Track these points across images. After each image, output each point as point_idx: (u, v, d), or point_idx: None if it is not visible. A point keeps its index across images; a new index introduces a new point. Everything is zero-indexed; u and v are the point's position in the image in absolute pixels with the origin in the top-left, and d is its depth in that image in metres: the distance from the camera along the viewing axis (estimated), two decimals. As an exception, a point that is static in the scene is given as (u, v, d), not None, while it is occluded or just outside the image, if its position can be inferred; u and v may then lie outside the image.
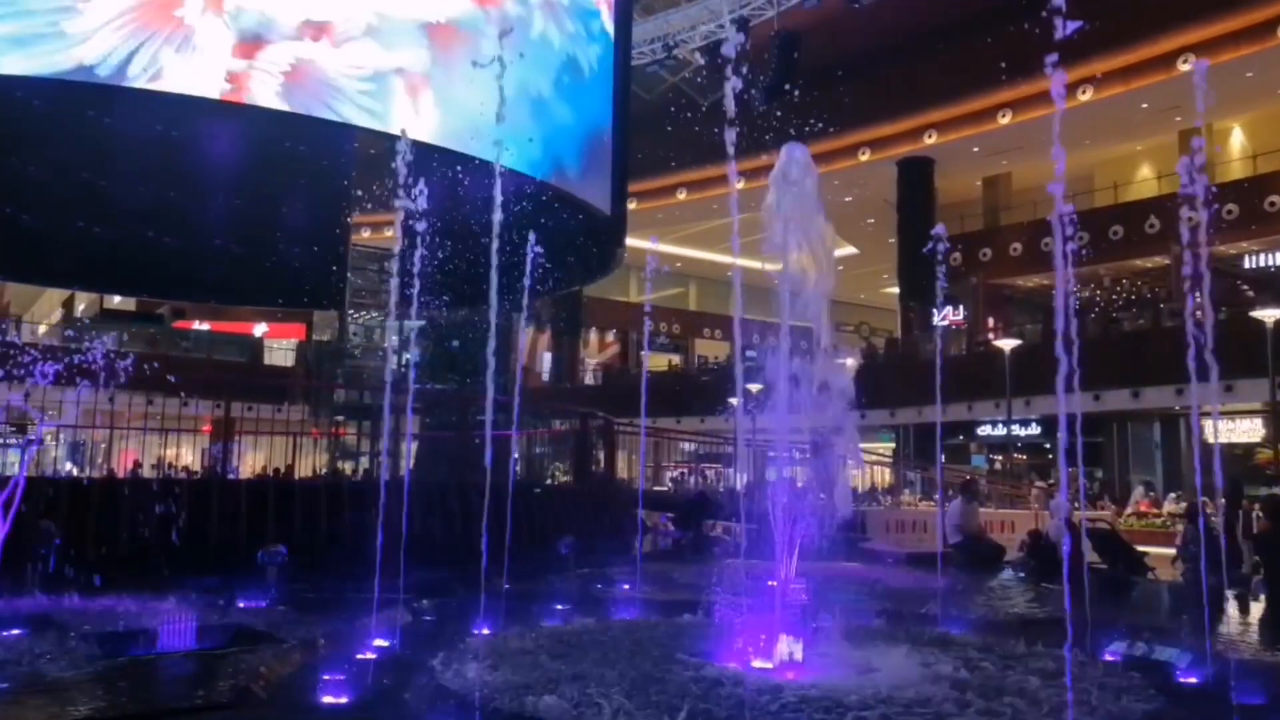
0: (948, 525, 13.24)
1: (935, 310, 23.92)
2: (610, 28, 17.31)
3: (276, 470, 14.46)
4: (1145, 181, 29.85)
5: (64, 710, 4.07)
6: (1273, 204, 24.75)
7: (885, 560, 13.04)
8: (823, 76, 29.57)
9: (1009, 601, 8.55)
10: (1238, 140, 28.78)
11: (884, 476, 26.44)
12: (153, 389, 12.46)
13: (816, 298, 5.35)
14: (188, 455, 19.90)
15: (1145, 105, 25.59)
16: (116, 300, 33.86)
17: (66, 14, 11.87)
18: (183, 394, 12.53)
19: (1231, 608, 8.53)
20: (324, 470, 16.88)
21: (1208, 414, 24.76)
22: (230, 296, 20.16)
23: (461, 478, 11.79)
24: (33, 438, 9.71)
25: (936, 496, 21.57)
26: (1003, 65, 26.18)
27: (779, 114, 28.27)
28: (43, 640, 5.62)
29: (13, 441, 16.35)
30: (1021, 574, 11.09)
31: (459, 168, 14.58)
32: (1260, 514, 12.44)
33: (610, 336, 46.46)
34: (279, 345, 35.06)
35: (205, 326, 35.05)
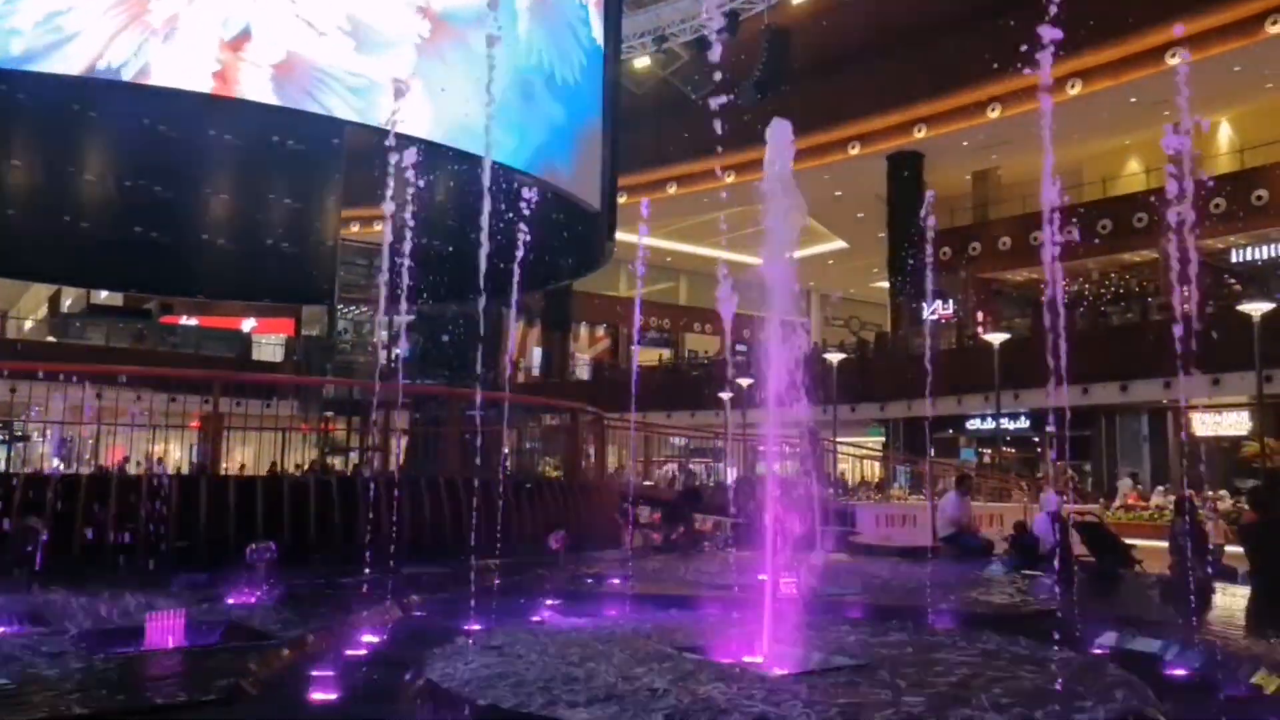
0: (940, 518, 13.29)
1: (925, 304, 24.01)
2: (600, 22, 17.28)
3: (313, 464, 14.53)
4: (1133, 176, 29.97)
5: (51, 708, 4.05)
6: (1260, 198, 24.89)
7: (875, 553, 13.09)
8: (812, 71, 29.58)
9: (997, 593, 8.59)
10: (1225, 134, 28.91)
11: (873, 470, 26.53)
12: (141, 385, 12.41)
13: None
14: (176, 451, 19.81)
15: (1134, 100, 25.68)
16: (104, 295, 33.68)
17: (59, 14, 11.78)
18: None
19: (1219, 599, 8.58)
20: (314, 466, 16.83)
21: (1194, 407, 24.91)
22: (218, 291, 20.06)
23: (451, 473, 11.78)
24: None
25: (926, 490, 21.65)
26: (991, 59, 26.23)
27: (769, 108, 28.32)
28: (30, 638, 5.59)
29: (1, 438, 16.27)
30: (1009, 567, 11.14)
31: (449, 163, 14.54)
32: (1246, 505, 12.53)
33: (601, 331, 46.44)
34: (268, 340, 34.94)
35: (193, 322, 34.91)
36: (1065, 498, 17.90)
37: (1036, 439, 29.30)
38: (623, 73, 23.45)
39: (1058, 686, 4.50)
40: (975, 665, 5.11)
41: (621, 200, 22.83)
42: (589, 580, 9.06)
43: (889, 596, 8.32)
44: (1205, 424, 25.78)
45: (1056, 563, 10.70)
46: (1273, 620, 7.29)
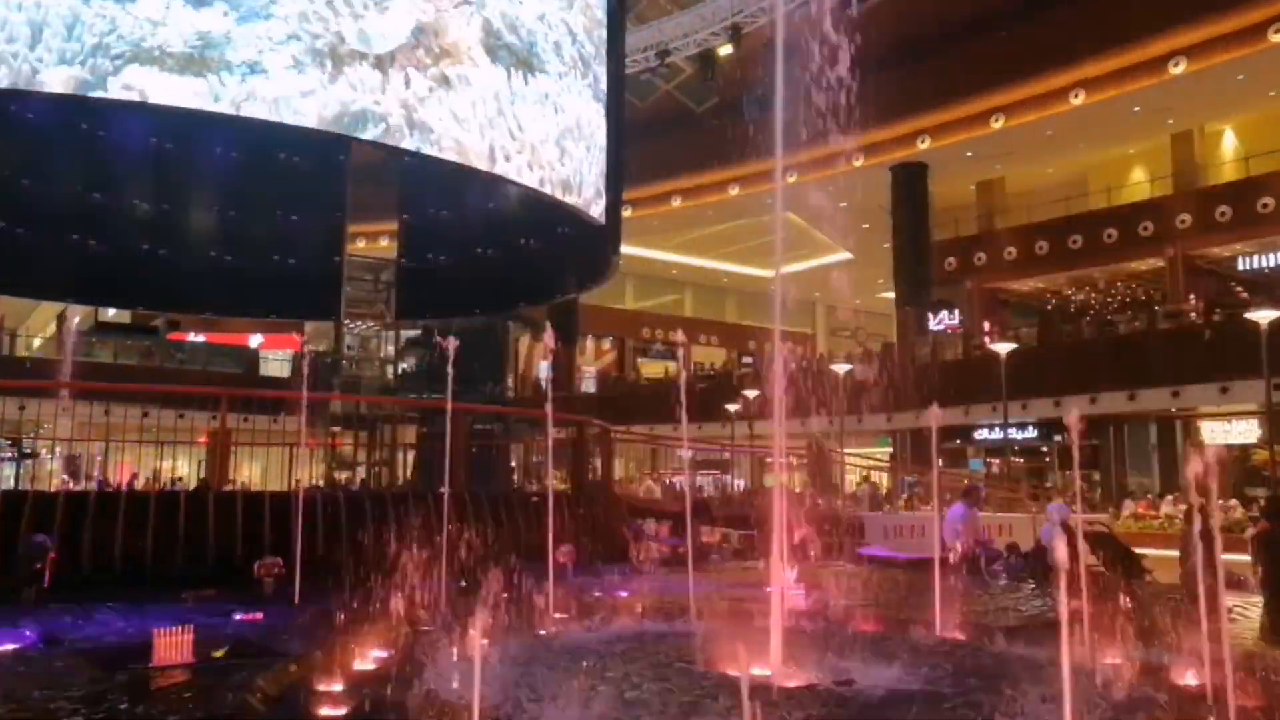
0: (947, 530, 13.23)
1: (930, 315, 23.94)
2: (603, 36, 17.35)
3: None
4: (1138, 184, 29.93)
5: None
6: (1265, 205, 24.82)
7: (882, 564, 13.05)
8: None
9: (1002, 606, 8.56)
10: (1230, 142, 28.88)
11: (881, 481, 26.45)
12: (149, 401, 12.45)
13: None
14: (184, 467, 19.83)
15: (1137, 108, 25.67)
16: (111, 313, 33.78)
17: (70, 36, 11.85)
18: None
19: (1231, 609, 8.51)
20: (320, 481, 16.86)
21: (1203, 415, 24.80)
22: (225, 308, 20.12)
23: (459, 487, 11.77)
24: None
25: (934, 501, 21.55)
26: (994, 70, 26.28)
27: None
28: (38, 655, 5.60)
29: (7, 455, 16.31)
30: (1013, 578, 11.10)
31: (455, 179, 14.59)
32: (1259, 514, 12.43)
33: (607, 344, 46.45)
34: (275, 356, 35.02)
35: (201, 338, 35.00)
36: (1074, 508, 17.76)
37: (1045, 449, 29.19)
38: (625, 86, 23.53)
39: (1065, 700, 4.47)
40: (976, 675, 5.09)
41: (626, 214, 22.88)
42: (596, 593, 9.04)
43: (895, 608, 8.29)
44: (1214, 432, 25.64)
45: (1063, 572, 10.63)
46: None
